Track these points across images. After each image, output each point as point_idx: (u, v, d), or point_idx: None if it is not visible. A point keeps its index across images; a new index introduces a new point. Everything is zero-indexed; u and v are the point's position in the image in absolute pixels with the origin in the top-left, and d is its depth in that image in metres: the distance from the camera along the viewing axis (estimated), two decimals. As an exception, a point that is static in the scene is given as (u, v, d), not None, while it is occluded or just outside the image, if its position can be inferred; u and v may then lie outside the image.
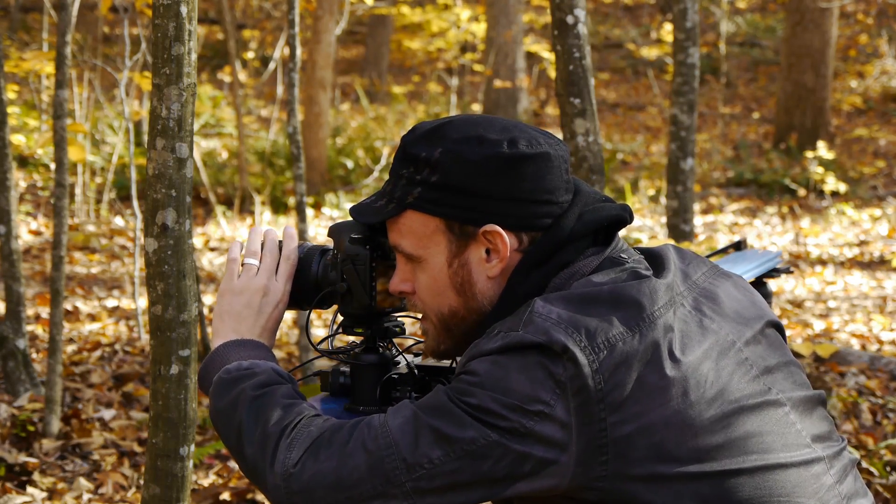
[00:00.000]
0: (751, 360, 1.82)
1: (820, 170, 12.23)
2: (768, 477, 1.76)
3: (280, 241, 2.05)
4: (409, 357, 2.04)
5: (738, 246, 3.32)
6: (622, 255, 1.87)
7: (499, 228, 1.84)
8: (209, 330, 7.35)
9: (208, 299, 8.39)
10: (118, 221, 10.91)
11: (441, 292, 1.89)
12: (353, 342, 2.05)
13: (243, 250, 2.03)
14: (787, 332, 7.04)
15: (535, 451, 1.71)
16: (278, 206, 11.90)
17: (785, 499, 1.77)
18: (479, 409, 1.71)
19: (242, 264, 2.03)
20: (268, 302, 2.00)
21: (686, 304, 1.82)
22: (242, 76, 15.15)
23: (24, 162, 11.93)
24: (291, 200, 11.79)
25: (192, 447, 2.80)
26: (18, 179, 11.55)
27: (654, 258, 1.90)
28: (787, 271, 3.14)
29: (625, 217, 1.90)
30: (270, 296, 2.00)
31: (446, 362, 2.03)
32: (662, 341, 1.74)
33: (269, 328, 2.01)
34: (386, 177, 14.25)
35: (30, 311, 7.47)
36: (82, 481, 4.60)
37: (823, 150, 12.50)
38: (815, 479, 1.80)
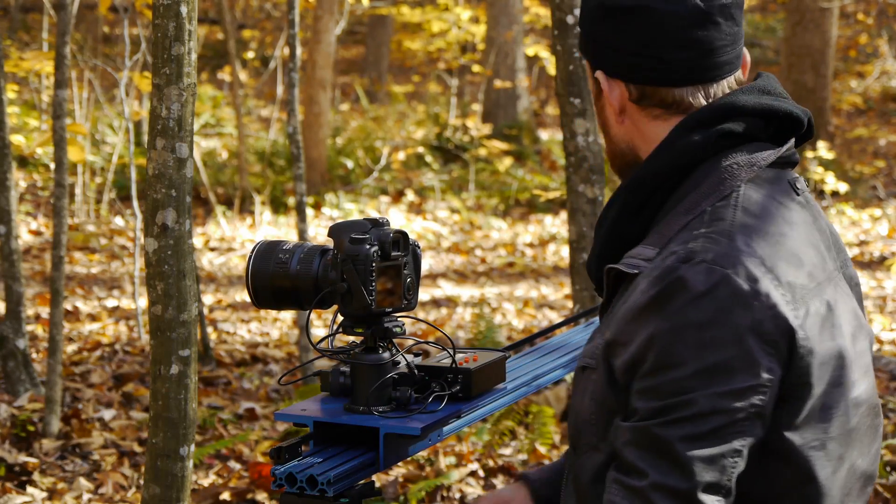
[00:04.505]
0: None
1: (820, 170, 12.22)
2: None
3: None
4: (409, 357, 2.03)
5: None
6: (797, 184, 1.85)
7: (601, 75, 1.87)
8: (210, 330, 7.35)
9: (208, 299, 8.39)
10: (118, 221, 10.91)
11: (600, 133, 1.96)
12: (353, 342, 2.04)
13: None
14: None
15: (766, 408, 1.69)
16: (278, 206, 11.90)
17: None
18: (706, 415, 1.65)
19: None
20: None
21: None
22: (242, 76, 15.15)
23: (24, 162, 11.93)
24: (291, 200, 11.79)
25: (192, 447, 2.80)
26: (18, 179, 11.55)
27: None
28: None
29: (802, 121, 1.86)
30: None
31: (446, 363, 2.03)
32: (834, 306, 1.77)
33: None
34: (385, 177, 14.16)
35: (30, 311, 7.47)
36: (82, 481, 4.60)
37: (823, 149, 12.48)
38: None
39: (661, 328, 1.66)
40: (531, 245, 11.31)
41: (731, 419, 1.65)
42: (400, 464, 4.72)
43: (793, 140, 1.87)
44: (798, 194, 1.84)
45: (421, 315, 8.06)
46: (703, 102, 1.84)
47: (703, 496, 1.64)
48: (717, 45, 1.83)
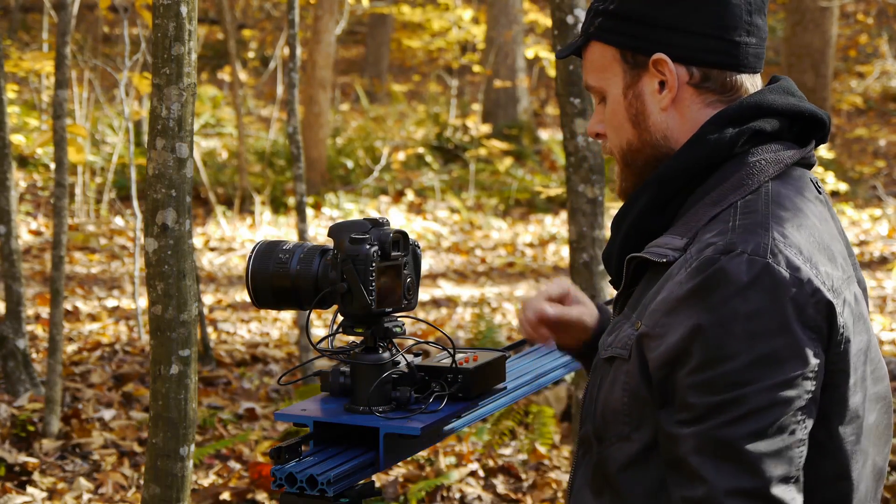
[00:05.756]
0: None
1: (820, 170, 12.23)
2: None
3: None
4: (409, 357, 2.03)
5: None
6: (818, 184, 1.88)
7: (665, 57, 1.85)
8: (210, 330, 7.35)
9: (208, 299, 8.39)
10: (118, 221, 10.91)
11: (620, 126, 1.90)
12: (353, 342, 2.04)
13: None
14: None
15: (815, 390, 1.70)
16: (278, 206, 11.90)
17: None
18: (765, 409, 1.66)
19: None
20: None
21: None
22: (242, 76, 15.15)
23: (24, 162, 11.94)
24: (291, 200, 11.79)
25: (192, 447, 2.80)
26: (18, 179, 11.55)
27: None
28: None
29: (825, 122, 1.90)
30: None
31: (446, 363, 2.03)
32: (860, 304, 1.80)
33: None
34: (385, 177, 14.17)
35: (30, 311, 7.46)
36: (82, 481, 4.60)
37: (823, 149, 12.49)
38: None
39: (707, 321, 1.67)
40: (531, 245, 11.31)
41: (790, 409, 1.66)
42: (400, 464, 4.72)
43: (814, 142, 1.90)
44: (820, 193, 1.87)
45: (421, 315, 8.06)
46: (751, 91, 1.87)
47: (775, 490, 1.65)
48: (765, 35, 1.89)
